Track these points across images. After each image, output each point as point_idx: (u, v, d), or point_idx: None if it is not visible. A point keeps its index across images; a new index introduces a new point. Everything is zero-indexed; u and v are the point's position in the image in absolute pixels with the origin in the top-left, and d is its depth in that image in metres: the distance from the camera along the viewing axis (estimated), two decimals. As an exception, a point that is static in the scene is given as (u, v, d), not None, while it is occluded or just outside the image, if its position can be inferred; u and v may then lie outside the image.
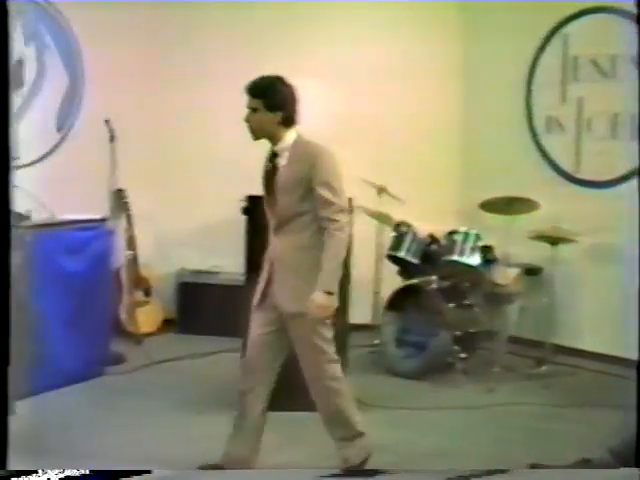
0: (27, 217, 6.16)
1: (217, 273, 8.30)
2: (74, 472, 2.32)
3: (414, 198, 7.64)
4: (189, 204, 8.28)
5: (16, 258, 4.96)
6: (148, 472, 2.33)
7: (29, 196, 6.22)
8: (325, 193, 4.34)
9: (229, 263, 7.91)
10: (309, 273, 4.38)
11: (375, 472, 4.42)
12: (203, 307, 8.09)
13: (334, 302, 4.35)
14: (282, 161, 4.45)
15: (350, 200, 5.86)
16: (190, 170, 8.26)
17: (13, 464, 4.29)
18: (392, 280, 7.47)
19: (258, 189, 5.80)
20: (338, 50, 8.29)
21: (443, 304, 6.84)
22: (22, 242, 5.82)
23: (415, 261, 7.22)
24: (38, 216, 6.27)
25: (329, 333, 4.51)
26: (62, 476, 2.30)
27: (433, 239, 7.35)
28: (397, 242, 7.31)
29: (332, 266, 4.35)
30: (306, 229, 4.43)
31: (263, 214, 5.42)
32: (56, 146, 7.67)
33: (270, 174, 4.51)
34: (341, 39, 8.32)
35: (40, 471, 2.32)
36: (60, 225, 6.48)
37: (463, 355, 6.80)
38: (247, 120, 4.45)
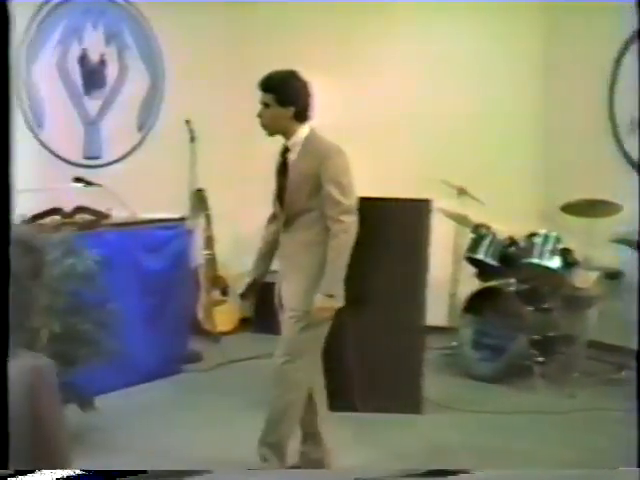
0: (107, 215, 6.24)
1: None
2: (75, 472, 2.32)
3: (494, 199, 7.57)
4: (267, 204, 8.27)
5: (95, 256, 5.04)
6: (144, 472, 2.34)
7: (110, 194, 6.30)
8: (333, 191, 4.32)
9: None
10: (314, 271, 4.39)
11: (446, 472, 4.39)
12: (279, 307, 8.09)
13: (335, 304, 4.35)
14: (293, 156, 4.45)
15: (429, 201, 5.87)
16: (269, 170, 8.25)
17: (89, 459, 4.35)
18: (469, 282, 7.41)
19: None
20: (422, 48, 8.25)
21: (521, 307, 6.75)
22: (102, 240, 5.89)
23: (494, 263, 7.14)
24: (118, 214, 6.34)
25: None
26: (62, 476, 2.30)
27: (512, 241, 7.27)
28: (476, 244, 7.24)
29: (335, 268, 4.34)
30: (314, 226, 4.42)
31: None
32: (137, 145, 7.76)
33: (281, 169, 4.54)
34: (424, 38, 8.28)
35: (41, 471, 2.33)
36: (140, 224, 6.55)
37: (541, 359, 6.71)
38: (259, 116, 4.46)
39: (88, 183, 6.44)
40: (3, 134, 2.59)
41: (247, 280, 4.78)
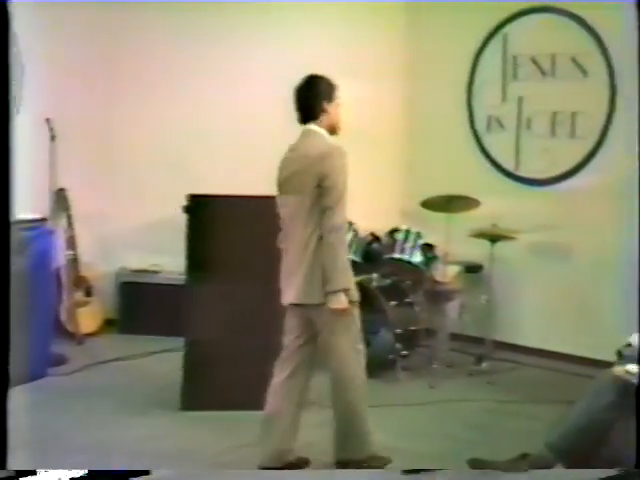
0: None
1: (157, 272, 8.24)
2: (74, 473, 2.31)
3: (356, 197, 7.62)
4: (131, 203, 8.20)
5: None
6: (147, 473, 2.32)
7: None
8: None
9: (170, 262, 7.86)
10: None
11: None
12: (144, 307, 8.04)
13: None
14: None
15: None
16: (132, 169, 8.18)
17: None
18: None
19: (200, 188, 5.77)
20: (281, 50, 8.24)
21: (384, 302, 6.85)
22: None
23: (357, 259, 7.22)
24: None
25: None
26: (62, 477, 2.29)
27: (374, 237, 7.38)
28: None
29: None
30: None
31: (204, 213, 5.37)
32: (-5, 145, 7.57)
33: None
34: (282, 38, 8.27)
35: (42, 472, 2.31)
36: None
37: (404, 352, 6.83)
38: None
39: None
40: (3, 134, 2.52)
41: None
